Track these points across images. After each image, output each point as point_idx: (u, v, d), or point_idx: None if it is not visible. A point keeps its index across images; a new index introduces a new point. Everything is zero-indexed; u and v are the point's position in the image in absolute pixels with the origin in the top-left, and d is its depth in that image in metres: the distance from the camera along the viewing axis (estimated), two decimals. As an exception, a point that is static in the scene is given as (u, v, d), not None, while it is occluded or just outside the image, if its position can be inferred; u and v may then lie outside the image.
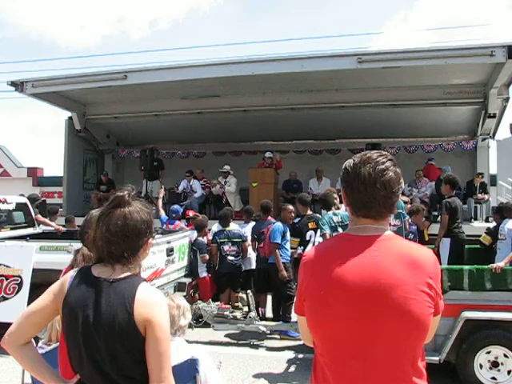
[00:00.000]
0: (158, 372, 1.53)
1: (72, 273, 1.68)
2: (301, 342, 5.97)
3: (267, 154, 10.73)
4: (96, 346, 1.55)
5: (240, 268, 6.97)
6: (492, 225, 6.97)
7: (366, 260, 1.40)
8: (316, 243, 6.38)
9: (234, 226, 7.15)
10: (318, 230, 6.14)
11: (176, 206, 9.24)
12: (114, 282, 1.60)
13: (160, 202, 8.32)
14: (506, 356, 4.20)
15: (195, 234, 7.17)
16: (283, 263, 6.24)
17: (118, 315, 1.54)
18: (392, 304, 1.35)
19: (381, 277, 1.37)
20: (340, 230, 5.78)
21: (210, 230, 7.54)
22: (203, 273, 6.97)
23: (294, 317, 6.77)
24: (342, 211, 5.83)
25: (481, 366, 4.23)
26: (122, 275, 1.62)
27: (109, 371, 1.55)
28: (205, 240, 7.16)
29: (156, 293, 1.64)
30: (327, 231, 5.32)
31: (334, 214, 5.80)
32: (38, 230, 7.79)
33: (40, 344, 2.65)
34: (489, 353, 4.22)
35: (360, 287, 1.37)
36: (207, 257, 6.92)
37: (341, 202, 7.07)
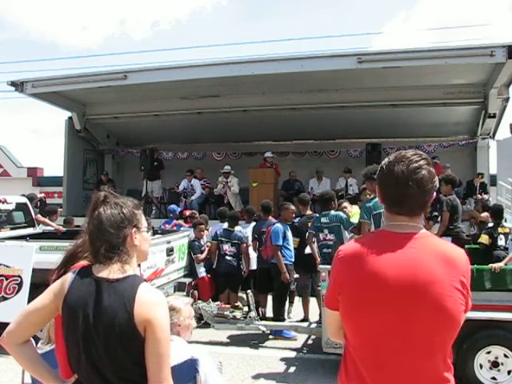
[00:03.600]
0: (157, 373, 1.53)
1: (72, 273, 1.68)
2: (299, 342, 5.97)
3: (269, 154, 10.71)
4: (95, 346, 1.55)
5: (239, 268, 6.96)
6: (490, 225, 6.99)
7: (405, 257, 1.43)
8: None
9: (237, 228, 7.15)
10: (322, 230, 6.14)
11: (173, 206, 9.27)
12: (115, 282, 1.59)
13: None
14: (506, 356, 4.20)
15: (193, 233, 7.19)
16: (285, 264, 6.24)
17: (118, 315, 1.53)
18: (430, 301, 1.39)
19: (419, 273, 1.40)
20: (326, 231, 5.79)
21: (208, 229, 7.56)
22: (202, 273, 6.97)
23: (294, 317, 6.78)
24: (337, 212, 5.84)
25: (481, 366, 4.23)
26: (123, 275, 1.61)
27: (106, 372, 1.55)
28: (204, 239, 7.17)
29: (156, 293, 1.63)
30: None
31: (323, 215, 5.86)
32: (38, 229, 7.78)
33: (39, 344, 2.65)
34: (489, 353, 4.22)
35: (399, 283, 1.40)
36: (200, 257, 6.92)
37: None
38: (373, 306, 1.42)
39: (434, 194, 1.55)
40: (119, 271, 1.62)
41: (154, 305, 1.56)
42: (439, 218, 6.46)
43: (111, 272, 1.61)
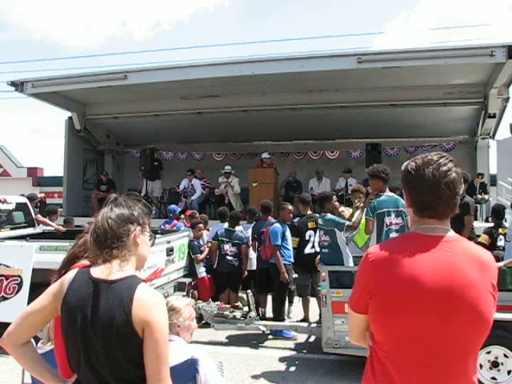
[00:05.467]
0: (155, 373, 1.52)
1: (71, 273, 1.68)
2: (299, 342, 5.97)
3: (266, 155, 10.71)
4: (93, 347, 1.55)
5: (240, 268, 6.96)
6: (491, 225, 6.98)
7: (440, 260, 1.43)
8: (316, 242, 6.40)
9: (238, 228, 7.15)
10: (318, 230, 6.16)
11: (173, 206, 9.27)
12: (113, 282, 1.58)
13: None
14: (506, 356, 4.20)
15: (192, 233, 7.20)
16: (284, 264, 6.24)
17: (116, 316, 1.52)
18: (466, 304, 1.40)
19: (456, 277, 1.41)
20: (321, 232, 5.83)
21: (209, 229, 7.57)
22: (202, 273, 6.97)
23: (294, 317, 6.78)
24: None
25: (481, 366, 4.22)
26: (121, 276, 1.60)
27: (105, 373, 1.55)
28: (205, 238, 7.17)
29: (155, 294, 1.62)
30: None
31: (320, 217, 5.91)
32: (38, 229, 7.78)
33: (39, 344, 2.65)
34: (489, 353, 4.22)
35: (436, 286, 1.40)
36: (200, 257, 6.92)
37: (341, 203, 7.05)
38: (409, 309, 1.42)
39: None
40: (118, 271, 1.61)
41: (152, 305, 1.56)
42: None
43: (110, 272, 1.61)
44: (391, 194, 5.19)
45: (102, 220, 1.68)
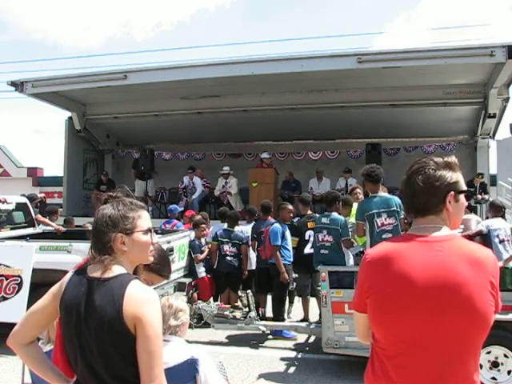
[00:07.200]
0: (148, 371, 1.51)
1: (70, 273, 1.70)
2: (299, 342, 5.98)
3: (265, 155, 10.71)
4: (88, 345, 1.55)
5: (240, 268, 6.95)
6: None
7: (432, 259, 1.45)
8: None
9: (237, 228, 7.15)
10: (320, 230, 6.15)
11: (174, 206, 9.26)
12: (106, 280, 1.58)
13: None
14: (506, 356, 4.20)
15: (193, 234, 7.18)
16: (284, 264, 6.24)
17: (108, 313, 1.52)
18: (460, 302, 1.40)
19: (448, 275, 1.42)
20: (324, 231, 5.81)
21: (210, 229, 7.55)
22: (202, 273, 6.97)
23: (294, 317, 6.78)
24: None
25: (481, 366, 4.22)
26: (114, 273, 1.60)
27: (100, 371, 1.55)
28: (203, 240, 7.17)
29: (147, 290, 1.61)
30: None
31: (324, 216, 5.92)
32: (38, 229, 7.78)
33: (39, 344, 2.65)
34: (489, 353, 4.22)
35: (428, 285, 1.42)
36: (200, 256, 6.91)
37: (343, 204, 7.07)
38: (403, 308, 1.44)
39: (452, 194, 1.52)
40: (110, 271, 1.61)
41: (143, 301, 1.55)
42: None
43: (105, 271, 1.60)
44: (384, 194, 5.18)
45: (92, 230, 1.72)
